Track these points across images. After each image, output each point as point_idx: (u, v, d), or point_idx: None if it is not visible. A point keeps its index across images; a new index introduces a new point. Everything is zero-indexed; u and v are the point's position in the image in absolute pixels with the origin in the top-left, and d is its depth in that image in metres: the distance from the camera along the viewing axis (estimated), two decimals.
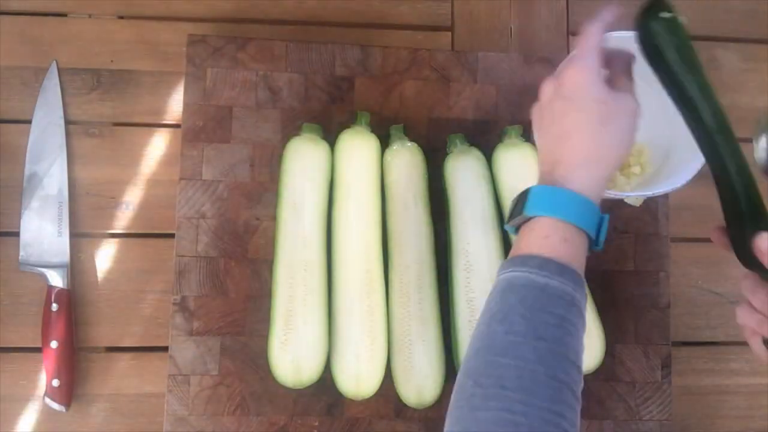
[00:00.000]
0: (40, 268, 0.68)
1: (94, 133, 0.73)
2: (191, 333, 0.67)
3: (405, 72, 0.74)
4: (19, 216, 0.70)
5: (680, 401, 0.75)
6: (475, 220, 0.68)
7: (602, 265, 0.72)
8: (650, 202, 0.74)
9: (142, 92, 0.73)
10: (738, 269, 0.78)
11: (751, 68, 0.81)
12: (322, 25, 0.77)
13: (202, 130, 0.70)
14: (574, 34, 0.80)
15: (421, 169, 0.69)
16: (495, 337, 0.45)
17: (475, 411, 0.42)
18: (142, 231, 0.72)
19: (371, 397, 0.65)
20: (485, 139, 0.73)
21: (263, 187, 0.70)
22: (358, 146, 0.68)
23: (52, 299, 0.67)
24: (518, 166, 0.69)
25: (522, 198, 0.50)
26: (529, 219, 0.49)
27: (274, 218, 0.69)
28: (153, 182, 0.72)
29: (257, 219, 0.70)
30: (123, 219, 0.72)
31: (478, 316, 0.66)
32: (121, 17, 0.75)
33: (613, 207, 0.74)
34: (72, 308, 0.69)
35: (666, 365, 0.72)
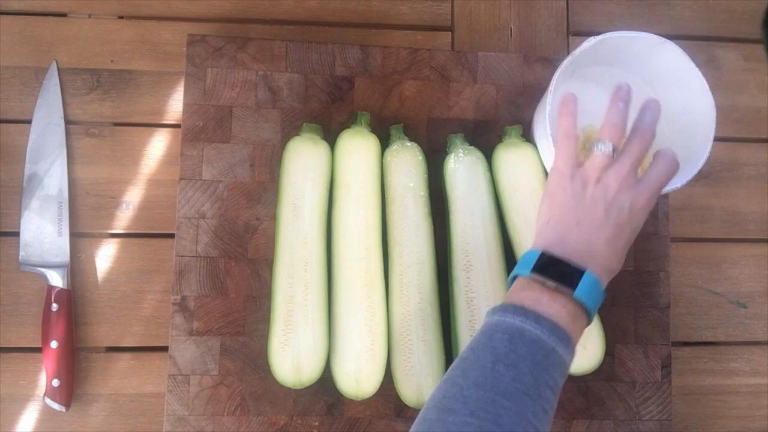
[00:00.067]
0: (40, 268, 0.68)
1: (94, 133, 0.73)
2: (191, 333, 0.67)
3: (405, 72, 0.74)
4: (19, 216, 0.70)
5: (680, 401, 0.75)
6: (475, 220, 0.68)
7: None
8: None
9: (142, 92, 0.73)
10: (738, 269, 0.78)
11: (751, 68, 0.81)
12: (322, 25, 0.77)
13: (202, 130, 0.70)
14: (575, 34, 0.80)
15: (421, 169, 0.69)
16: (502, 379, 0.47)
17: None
18: (142, 231, 0.72)
19: (371, 397, 0.65)
20: (485, 139, 0.73)
21: (263, 187, 0.70)
22: (358, 146, 0.68)
23: (52, 299, 0.67)
24: (518, 166, 0.69)
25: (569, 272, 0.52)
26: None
27: (274, 218, 0.69)
28: (153, 182, 0.72)
29: (257, 219, 0.70)
30: (123, 219, 0.72)
31: (478, 316, 0.66)
32: (121, 17, 0.75)
33: None
34: (72, 308, 0.69)
35: (666, 365, 0.72)
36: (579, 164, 0.56)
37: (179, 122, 0.72)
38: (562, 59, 0.64)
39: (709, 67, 0.80)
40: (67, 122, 0.72)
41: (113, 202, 0.72)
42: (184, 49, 0.71)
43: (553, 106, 0.64)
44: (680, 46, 0.65)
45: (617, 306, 0.72)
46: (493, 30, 0.79)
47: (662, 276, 0.73)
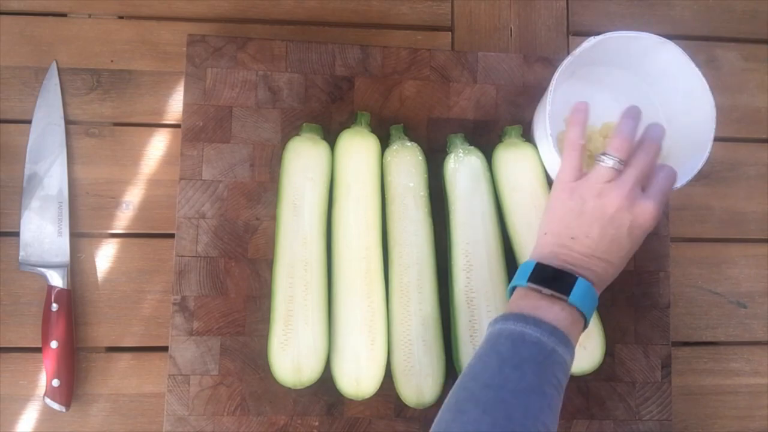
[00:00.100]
0: (40, 268, 0.68)
1: (94, 133, 0.73)
2: (191, 333, 0.67)
3: (405, 72, 0.74)
4: (19, 216, 0.70)
5: (680, 401, 0.75)
6: (475, 220, 0.68)
7: None
8: None
9: (142, 92, 0.73)
10: (738, 269, 0.78)
11: (751, 68, 0.81)
12: (322, 25, 0.77)
13: (202, 130, 0.70)
14: (575, 34, 0.80)
15: (421, 169, 0.69)
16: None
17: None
18: (142, 231, 0.72)
19: (371, 397, 0.65)
20: (485, 139, 0.73)
21: (263, 187, 0.70)
22: (358, 146, 0.68)
23: (52, 299, 0.67)
24: (518, 166, 0.69)
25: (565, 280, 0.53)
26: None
27: (274, 218, 0.69)
28: (153, 182, 0.72)
29: (257, 219, 0.70)
30: (123, 219, 0.72)
31: (477, 316, 0.66)
32: (121, 17, 0.75)
33: None
34: (72, 308, 0.69)
35: (666, 365, 0.72)
36: (582, 175, 0.57)
37: (179, 122, 0.72)
38: (562, 59, 0.64)
39: (709, 67, 0.80)
40: (67, 122, 0.72)
41: (113, 202, 0.72)
42: (184, 49, 0.71)
43: (553, 106, 0.64)
44: (680, 46, 0.65)
45: (617, 306, 0.72)
46: (493, 30, 0.79)
47: (662, 276, 0.73)
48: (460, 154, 0.69)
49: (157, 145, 0.73)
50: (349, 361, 0.65)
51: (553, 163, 0.65)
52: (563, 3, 0.80)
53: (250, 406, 0.67)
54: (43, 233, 0.69)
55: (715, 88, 0.65)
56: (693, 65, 0.65)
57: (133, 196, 0.72)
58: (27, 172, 0.70)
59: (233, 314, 0.68)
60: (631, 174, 0.55)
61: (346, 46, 0.73)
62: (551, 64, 0.75)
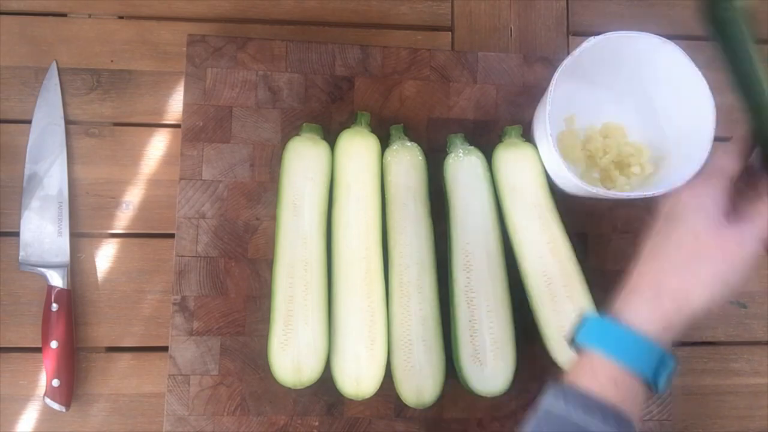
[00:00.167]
0: (40, 268, 0.68)
1: (94, 133, 0.73)
2: (191, 333, 0.67)
3: (405, 72, 0.74)
4: (19, 216, 0.70)
5: (680, 401, 0.75)
6: (475, 220, 0.68)
7: (602, 265, 0.72)
8: (650, 202, 0.74)
9: (142, 92, 0.73)
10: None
11: None
12: (322, 25, 0.77)
13: (202, 130, 0.70)
14: (575, 34, 0.80)
15: (421, 169, 0.69)
16: None
17: None
18: (142, 231, 0.72)
19: (371, 397, 0.65)
20: (485, 139, 0.73)
21: (263, 187, 0.70)
22: (358, 146, 0.68)
23: (52, 299, 0.67)
24: (518, 166, 0.69)
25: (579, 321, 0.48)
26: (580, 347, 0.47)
27: (274, 218, 0.69)
28: (153, 182, 0.72)
29: (257, 219, 0.70)
30: (123, 219, 0.72)
31: (477, 316, 0.66)
32: (121, 17, 0.75)
33: (613, 207, 0.74)
34: (72, 308, 0.69)
35: None
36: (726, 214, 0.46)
37: (179, 122, 0.72)
38: (562, 59, 0.64)
39: (709, 67, 0.80)
40: (67, 122, 0.72)
41: (113, 202, 0.72)
42: (184, 49, 0.71)
43: (553, 106, 0.64)
44: (680, 46, 0.65)
45: None
46: (493, 30, 0.79)
47: None
48: (460, 154, 0.69)
49: (157, 145, 0.73)
50: (349, 361, 0.65)
51: (553, 163, 0.65)
52: (563, 3, 0.80)
53: (250, 406, 0.67)
54: (43, 233, 0.69)
55: (715, 88, 0.65)
56: (693, 65, 0.65)
57: (133, 196, 0.72)
58: (27, 172, 0.70)
59: (233, 314, 0.68)
60: None
61: (346, 46, 0.73)
62: (551, 64, 0.75)
